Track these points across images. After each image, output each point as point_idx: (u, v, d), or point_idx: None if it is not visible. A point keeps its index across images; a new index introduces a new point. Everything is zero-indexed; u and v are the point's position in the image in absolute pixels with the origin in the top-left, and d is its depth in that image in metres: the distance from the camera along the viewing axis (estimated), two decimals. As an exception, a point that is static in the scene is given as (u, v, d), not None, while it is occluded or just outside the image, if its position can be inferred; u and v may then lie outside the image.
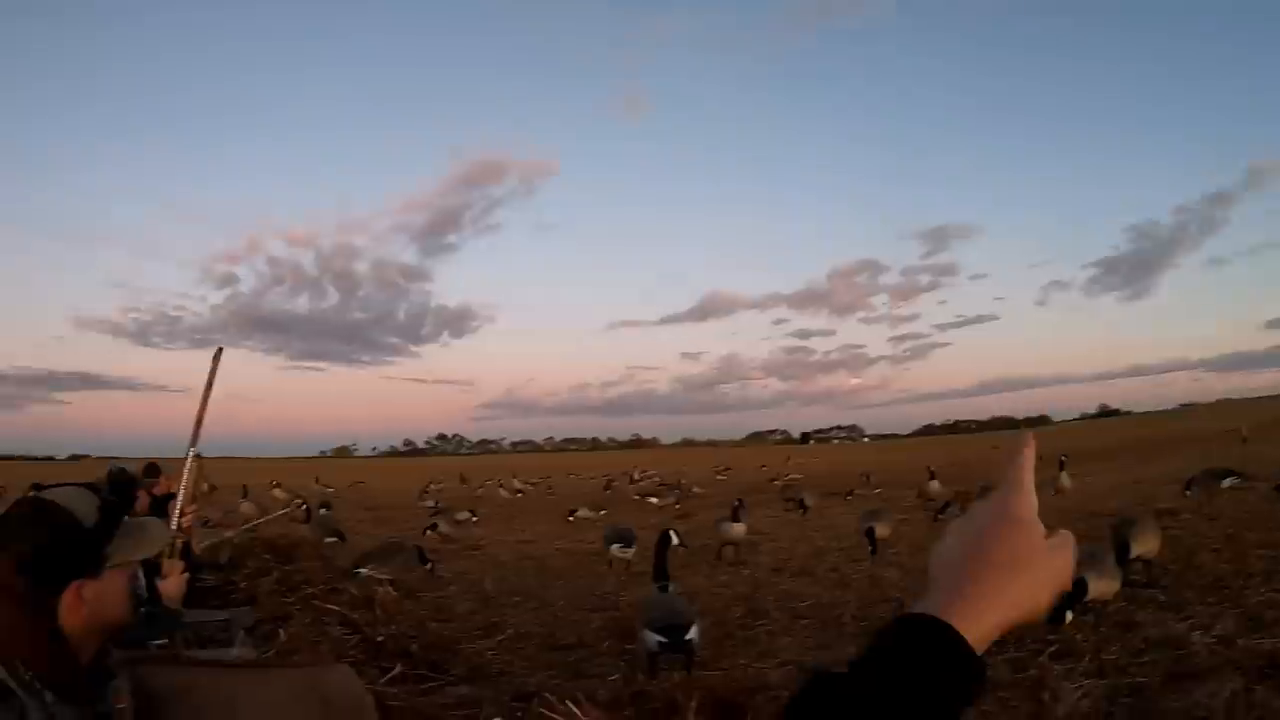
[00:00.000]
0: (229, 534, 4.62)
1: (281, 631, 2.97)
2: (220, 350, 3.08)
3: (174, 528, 2.93)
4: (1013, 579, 0.53)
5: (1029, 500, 0.57)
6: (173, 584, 2.89)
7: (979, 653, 0.49)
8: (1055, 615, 4.72)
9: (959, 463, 23.95)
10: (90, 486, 1.32)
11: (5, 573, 1.25)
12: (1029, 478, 0.58)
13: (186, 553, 3.03)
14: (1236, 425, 25.18)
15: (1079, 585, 4.78)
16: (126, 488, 5.48)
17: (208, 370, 3.07)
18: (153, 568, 2.94)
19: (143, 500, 5.47)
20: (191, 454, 2.99)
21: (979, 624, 0.50)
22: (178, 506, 2.93)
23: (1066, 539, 0.58)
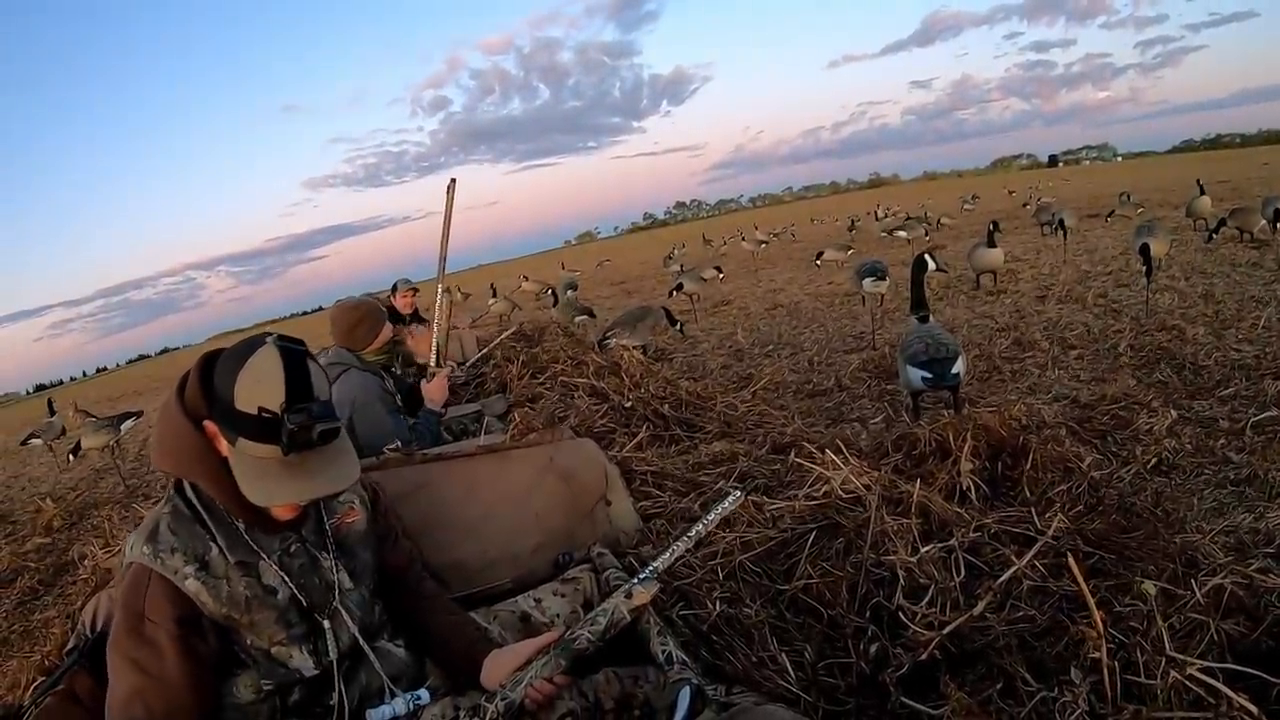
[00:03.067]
0: (492, 345, 4.77)
1: (515, 414, 2.98)
2: (454, 182, 3.00)
3: (432, 350, 3.07)
4: None
5: None
6: (436, 386, 3.03)
7: None
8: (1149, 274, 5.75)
9: (1224, 180, 19.81)
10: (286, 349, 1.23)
11: (195, 405, 1.24)
12: None
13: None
14: None
15: (1144, 250, 5.80)
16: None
17: (444, 203, 3.04)
18: (419, 371, 3.10)
19: (403, 302, 5.97)
20: (440, 289, 3.05)
21: None
22: (432, 340, 3.07)
23: None
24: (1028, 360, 4.93)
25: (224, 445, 1.23)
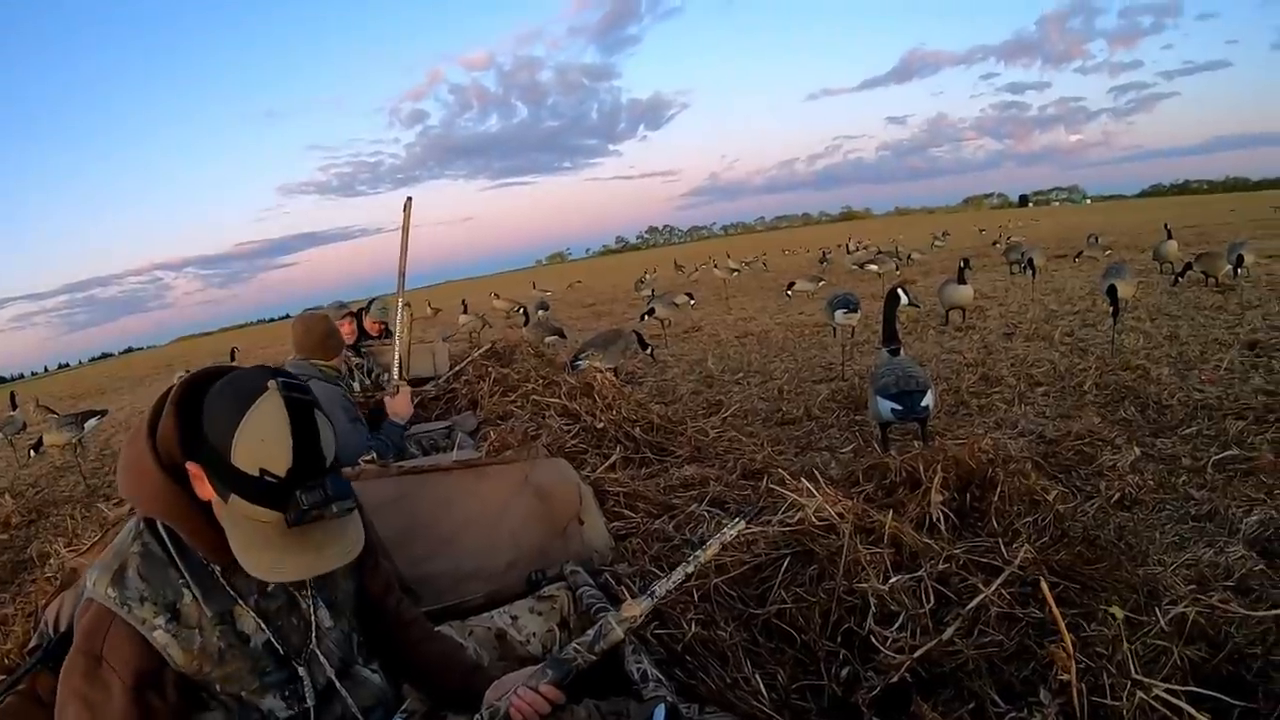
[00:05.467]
0: (465, 363, 4.78)
1: (491, 431, 2.98)
2: (409, 201, 3.08)
3: (396, 362, 3.19)
4: None
5: None
6: (400, 401, 3.06)
7: None
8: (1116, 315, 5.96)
9: (1192, 226, 20.57)
10: (293, 401, 1.09)
11: (170, 447, 1.13)
12: None
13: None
14: None
15: (1111, 291, 5.98)
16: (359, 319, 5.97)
17: (401, 221, 3.13)
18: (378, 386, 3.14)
19: (374, 327, 5.93)
20: (400, 304, 3.14)
21: None
22: (396, 351, 3.21)
23: None
24: (994, 395, 5.00)
25: (208, 490, 1.11)
